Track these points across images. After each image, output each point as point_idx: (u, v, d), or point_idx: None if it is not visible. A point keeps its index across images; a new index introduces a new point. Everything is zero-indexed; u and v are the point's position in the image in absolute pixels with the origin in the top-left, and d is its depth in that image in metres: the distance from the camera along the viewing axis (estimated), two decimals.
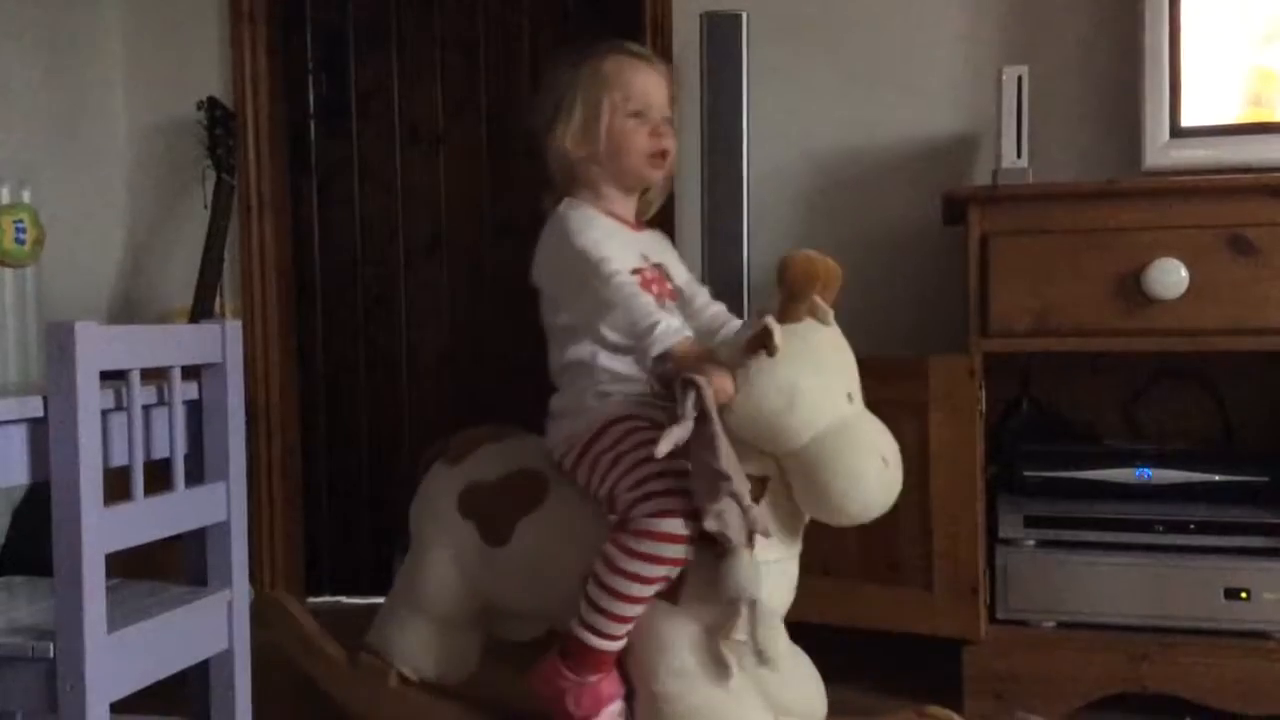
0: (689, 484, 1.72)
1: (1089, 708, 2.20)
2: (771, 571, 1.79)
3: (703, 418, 1.67)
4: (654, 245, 2.06)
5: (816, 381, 1.73)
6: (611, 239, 1.93)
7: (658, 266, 2.00)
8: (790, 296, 1.74)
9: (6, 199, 2.28)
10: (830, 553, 2.34)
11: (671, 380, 1.71)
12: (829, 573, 2.35)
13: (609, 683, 1.84)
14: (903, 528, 2.28)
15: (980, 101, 2.60)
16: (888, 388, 2.26)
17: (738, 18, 2.57)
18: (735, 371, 1.71)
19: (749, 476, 1.75)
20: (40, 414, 1.45)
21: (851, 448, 1.72)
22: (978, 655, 2.24)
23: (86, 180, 3.06)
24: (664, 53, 2.82)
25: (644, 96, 1.98)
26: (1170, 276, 2.15)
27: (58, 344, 1.44)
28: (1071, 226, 2.22)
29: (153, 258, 3.17)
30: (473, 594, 1.99)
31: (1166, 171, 2.30)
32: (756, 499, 1.75)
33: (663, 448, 1.66)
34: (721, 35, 2.57)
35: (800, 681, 1.94)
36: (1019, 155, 2.36)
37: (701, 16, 2.58)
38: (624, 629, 1.80)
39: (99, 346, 1.48)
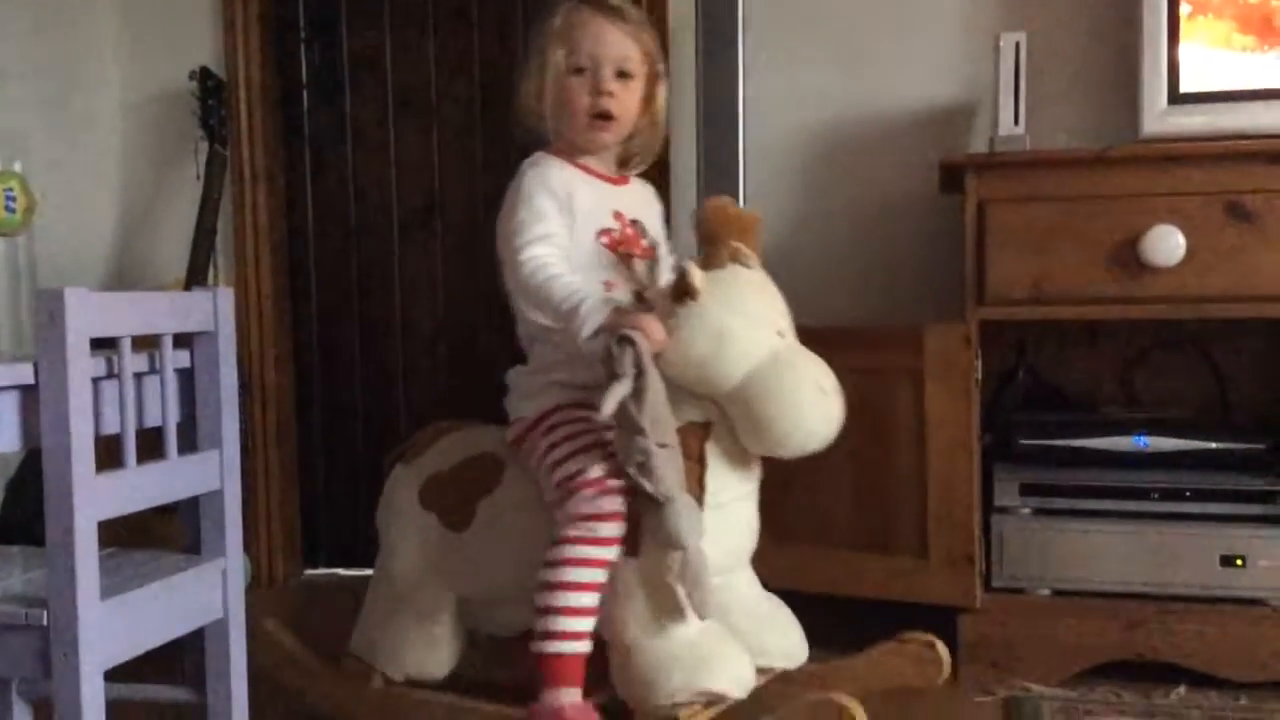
0: (612, 463, 1.73)
1: (1085, 675, 2.21)
2: (726, 514, 1.81)
3: (640, 372, 1.68)
4: (634, 200, 1.98)
5: (744, 320, 1.75)
6: (575, 195, 1.86)
7: (634, 223, 1.93)
8: (709, 242, 1.79)
9: None
10: (824, 522, 2.35)
11: (609, 347, 1.71)
12: (823, 542, 2.36)
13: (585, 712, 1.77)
14: (898, 495, 2.29)
15: (977, 69, 2.59)
16: (883, 356, 2.29)
17: None
18: (665, 321, 1.74)
19: (692, 423, 1.78)
20: (31, 381, 1.44)
21: (786, 379, 1.74)
22: (974, 623, 2.25)
23: (79, 152, 3.04)
24: (659, 24, 2.79)
25: (591, 52, 1.87)
26: (1167, 243, 2.14)
27: (48, 311, 1.43)
28: (1068, 194, 2.21)
29: (146, 229, 3.15)
30: (444, 585, 1.99)
31: (1165, 139, 2.28)
32: (701, 443, 1.79)
33: (607, 406, 1.67)
34: (717, 7, 2.55)
35: (777, 626, 1.94)
36: (1016, 122, 2.34)
37: None
38: (583, 625, 1.76)
39: (89, 313, 1.46)
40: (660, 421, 1.69)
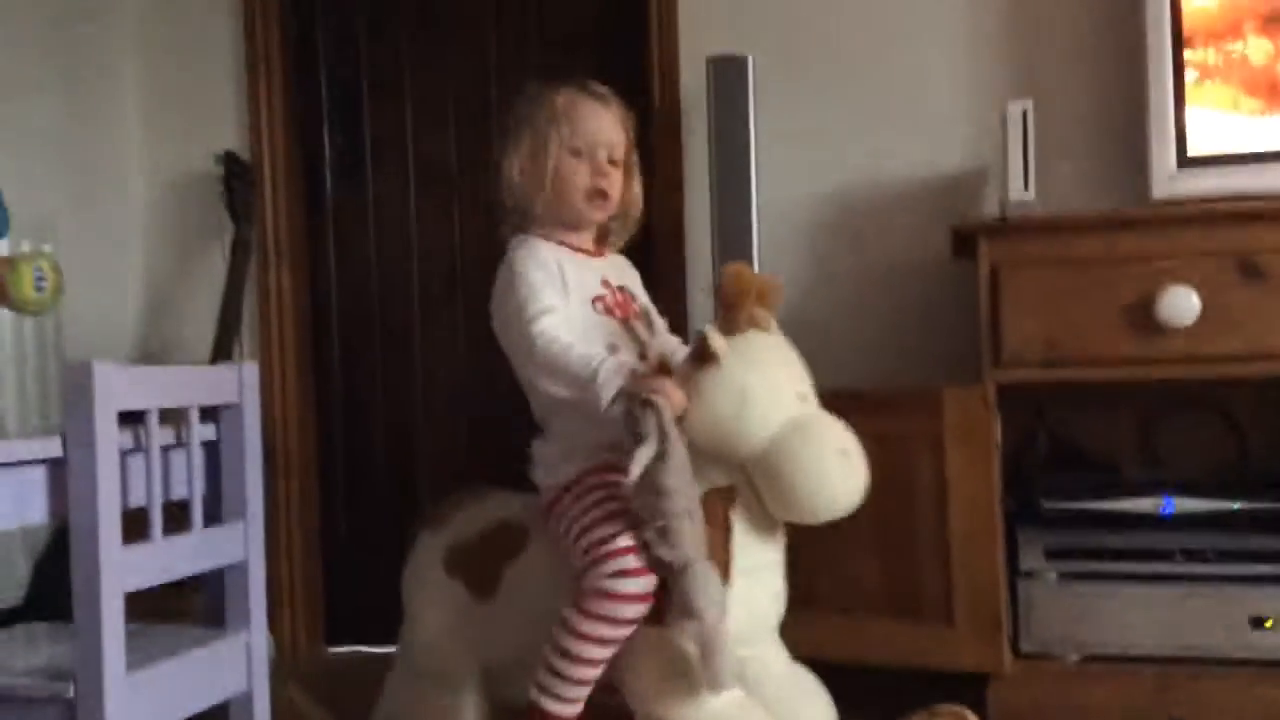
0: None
1: None
2: (753, 582, 1.81)
3: (663, 435, 1.69)
4: (616, 270, 2.05)
5: (765, 383, 1.78)
6: (565, 269, 1.92)
7: (622, 289, 2.01)
8: (728, 308, 1.82)
9: (26, 249, 2.34)
10: (848, 590, 2.34)
11: (631, 411, 1.73)
12: (848, 610, 2.34)
13: None
14: (922, 562, 2.27)
15: (985, 137, 2.62)
16: (902, 420, 2.29)
17: (743, 61, 2.60)
18: (685, 386, 1.76)
19: (716, 489, 1.79)
20: (59, 454, 1.47)
21: (809, 443, 1.76)
22: (1002, 690, 2.22)
23: (105, 235, 3.10)
24: (671, 98, 2.85)
25: (590, 135, 1.96)
26: (1181, 304, 2.15)
27: (76, 384, 1.46)
28: (1081, 256, 2.23)
29: (172, 310, 3.20)
30: (469, 652, 1.99)
31: (1175, 201, 2.30)
32: (726, 510, 1.80)
33: (633, 471, 1.69)
34: (728, 79, 2.60)
35: (807, 699, 1.93)
36: (1026, 188, 2.36)
37: (708, 61, 2.62)
38: (581, 692, 1.79)
39: (117, 386, 1.49)
40: (683, 487, 1.70)
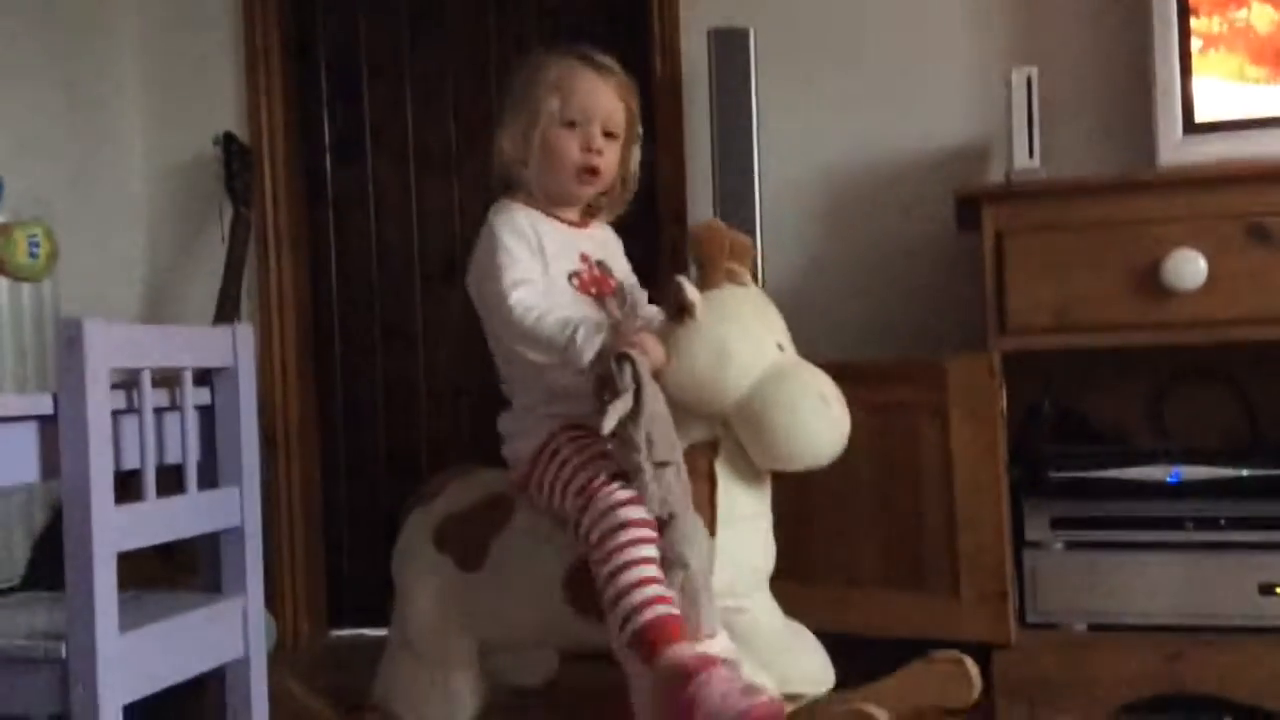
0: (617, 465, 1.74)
1: (1126, 710, 2.15)
2: (741, 532, 1.80)
3: (638, 389, 1.67)
4: (598, 243, 2.01)
5: (743, 334, 1.79)
6: (544, 239, 1.89)
7: (600, 264, 1.97)
8: (704, 264, 1.83)
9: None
10: (853, 562, 2.32)
11: (609, 370, 1.71)
12: (852, 581, 2.32)
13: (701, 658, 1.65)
14: (927, 532, 2.25)
15: (990, 107, 2.60)
16: (906, 390, 2.27)
17: (745, 33, 2.58)
18: (665, 342, 1.76)
19: (699, 442, 1.79)
20: (50, 411, 1.45)
21: (788, 391, 1.77)
22: (1009, 660, 2.19)
23: (105, 216, 3.09)
24: (672, 70, 2.83)
25: (584, 107, 1.91)
26: (1189, 268, 2.13)
27: (68, 339, 1.45)
28: (1086, 221, 2.20)
29: (171, 291, 3.19)
30: (462, 629, 1.98)
31: (1182, 168, 2.28)
32: (710, 462, 1.80)
33: (607, 423, 1.67)
34: (730, 52, 2.58)
35: (800, 652, 1.91)
36: (1031, 156, 2.34)
37: (709, 33, 2.60)
38: (653, 591, 1.66)
39: (109, 343, 1.48)
40: (661, 440, 1.69)
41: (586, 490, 1.74)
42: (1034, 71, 2.37)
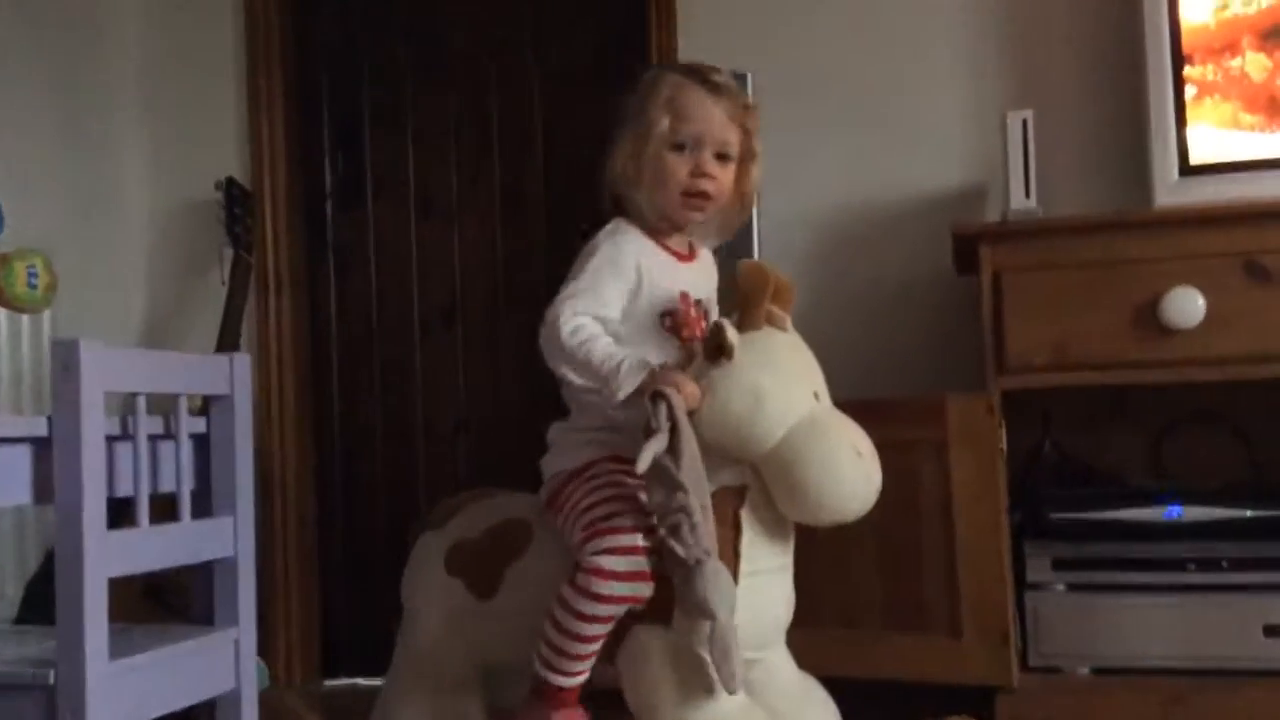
0: (642, 518, 1.70)
1: None
2: (762, 584, 1.76)
3: (674, 429, 1.66)
4: (699, 275, 1.96)
5: (779, 381, 1.74)
6: (649, 273, 1.85)
7: (698, 304, 1.91)
8: (745, 304, 1.77)
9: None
10: (853, 603, 2.30)
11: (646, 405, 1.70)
12: (852, 623, 2.30)
13: (572, 714, 1.79)
14: (927, 572, 2.23)
15: (988, 150, 2.61)
16: (906, 429, 2.26)
17: (743, 78, 2.59)
18: (700, 382, 1.72)
19: (727, 487, 1.74)
20: (45, 433, 1.45)
21: (822, 442, 1.72)
22: (1011, 704, 2.17)
23: (105, 261, 3.10)
24: None
25: (695, 130, 1.85)
26: (1187, 305, 2.13)
27: (63, 362, 1.44)
28: (1084, 260, 2.21)
29: (170, 334, 3.19)
30: (468, 653, 1.96)
31: (1179, 208, 2.29)
32: (736, 509, 1.75)
33: (642, 462, 1.64)
34: None
35: (811, 706, 1.88)
36: (1028, 196, 2.36)
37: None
38: (583, 665, 1.76)
39: (104, 367, 1.47)
40: (694, 482, 1.66)
41: (600, 525, 1.72)
42: (1030, 115, 2.39)
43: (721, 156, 1.88)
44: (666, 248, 1.92)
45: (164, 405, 1.64)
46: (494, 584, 1.89)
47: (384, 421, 3.21)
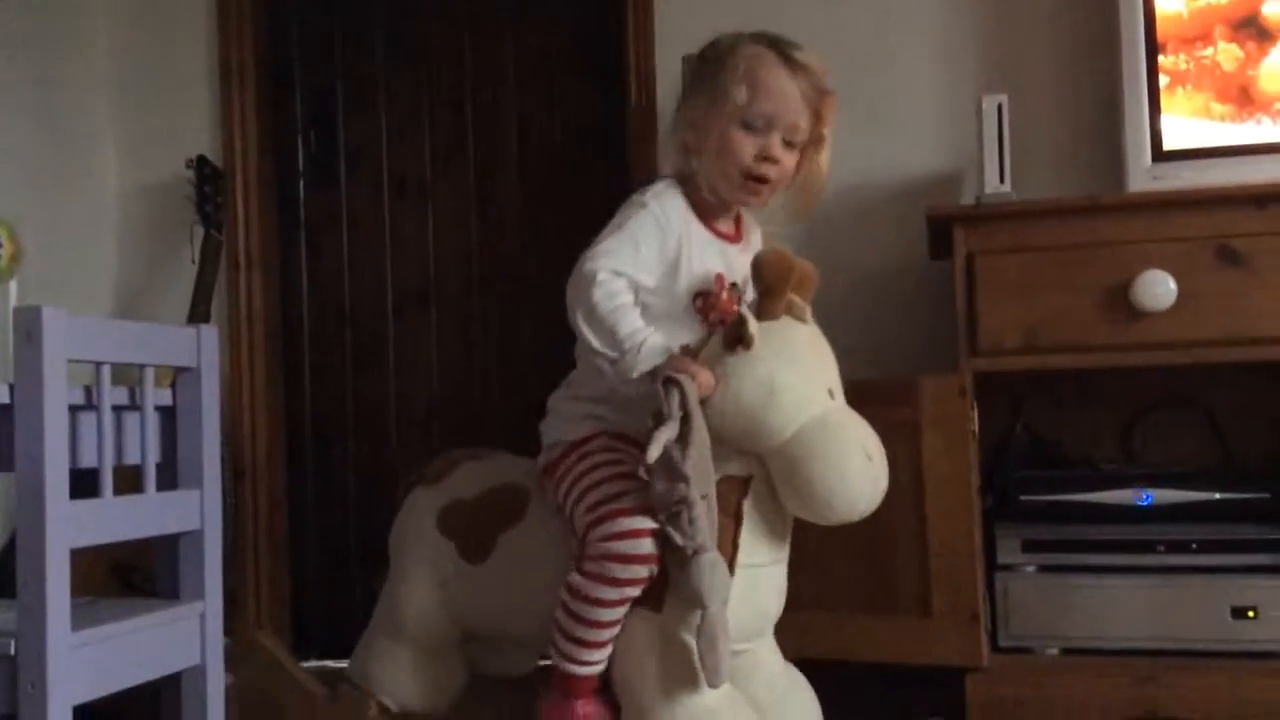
0: (645, 498, 1.68)
1: None
2: (757, 577, 1.75)
3: (685, 417, 1.64)
4: (743, 259, 1.88)
5: (796, 375, 1.70)
6: (689, 246, 1.80)
7: (734, 287, 1.84)
8: (766, 293, 1.73)
9: None
10: (825, 585, 2.29)
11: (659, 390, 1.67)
12: (825, 606, 2.29)
13: (593, 706, 1.78)
14: (899, 553, 2.23)
15: (963, 135, 2.61)
16: (879, 410, 2.23)
17: None
18: (714, 368, 1.69)
19: (731, 476, 1.72)
20: (6, 400, 1.43)
21: (834, 442, 1.69)
22: (981, 684, 2.17)
23: (75, 237, 3.07)
24: (647, 97, 2.84)
25: (768, 112, 1.79)
26: (1158, 289, 2.14)
27: (25, 329, 1.42)
28: (1057, 243, 2.21)
29: (140, 313, 3.15)
30: (453, 618, 1.94)
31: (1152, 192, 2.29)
32: (739, 500, 1.72)
33: (653, 451, 1.61)
34: None
35: (796, 700, 1.88)
36: (1002, 181, 2.36)
37: (684, 60, 2.61)
38: (600, 654, 1.75)
39: (68, 334, 1.45)
40: (702, 471, 1.64)
41: (603, 509, 1.70)
42: (1005, 99, 2.38)
43: (789, 142, 1.82)
44: (711, 226, 1.87)
45: (131, 377, 1.62)
46: (486, 549, 1.87)
47: (356, 401, 3.19)
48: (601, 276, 1.72)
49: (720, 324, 1.77)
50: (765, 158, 1.80)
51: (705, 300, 1.80)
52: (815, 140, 1.86)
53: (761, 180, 1.81)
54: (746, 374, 1.68)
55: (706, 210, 1.87)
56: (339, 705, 1.98)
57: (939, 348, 2.48)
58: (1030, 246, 2.22)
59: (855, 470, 1.69)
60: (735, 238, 1.91)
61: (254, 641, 2.13)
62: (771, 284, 1.72)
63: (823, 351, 1.80)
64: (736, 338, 1.68)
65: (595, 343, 1.72)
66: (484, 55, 3.11)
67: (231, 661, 1.78)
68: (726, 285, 1.82)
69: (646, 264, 1.77)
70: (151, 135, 3.17)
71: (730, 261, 1.87)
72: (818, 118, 1.85)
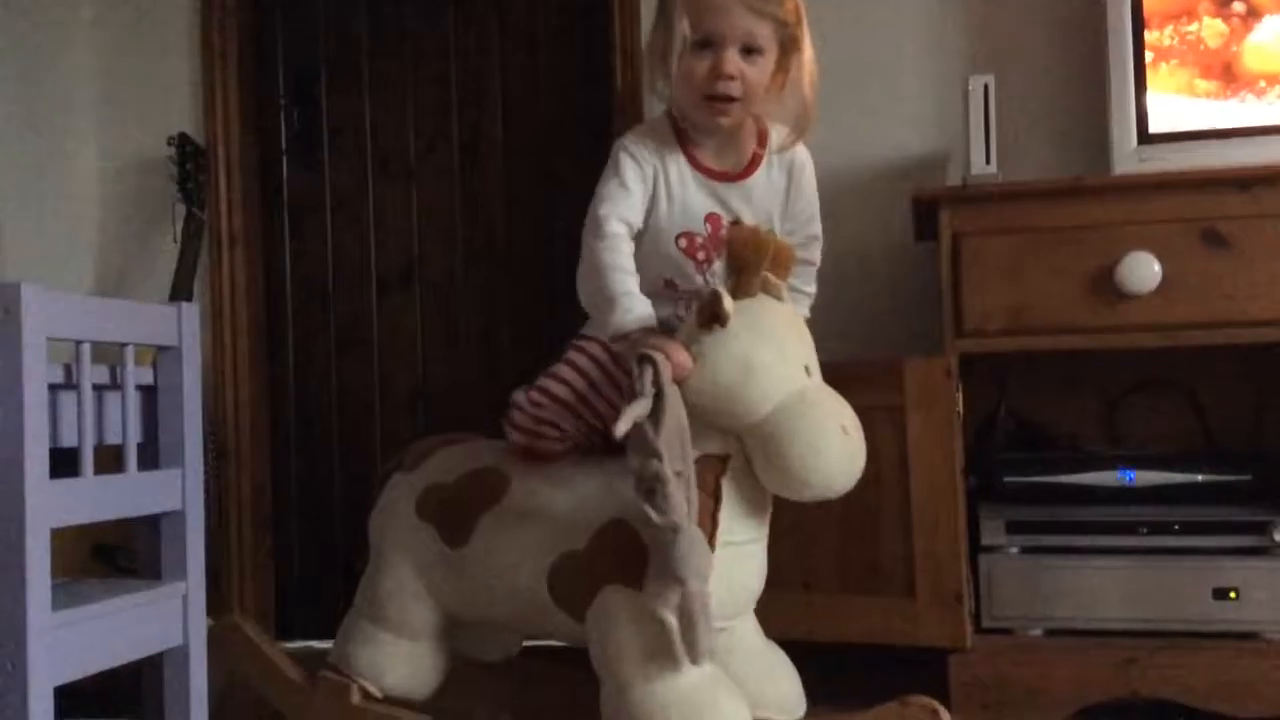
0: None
1: (1080, 715, 2.13)
2: (737, 554, 1.75)
3: (658, 394, 1.63)
4: (748, 194, 1.86)
5: (772, 352, 1.70)
6: (667, 183, 1.80)
7: (734, 224, 1.82)
8: (740, 271, 1.72)
9: None
10: (808, 565, 2.30)
11: (628, 357, 1.68)
12: (809, 586, 2.30)
13: None
14: (883, 534, 2.23)
15: (947, 117, 2.61)
16: (864, 391, 2.22)
17: None
18: (690, 347, 1.69)
19: (709, 455, 1.72)
20: None
21: (810, 417, 1.69)
22: (964, 664, 2.17)
23: (57, 217, 3.04)
24: (634, 76, 2.82)
25: (712, 29, 1.73)
26: (1143, 270, 2.14)
27: (3, 305, 1.40)
28: (1042, 224, 2.21)
29: (123, 292, 3.13)
30: (435, 603, 1.94)
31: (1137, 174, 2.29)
32: (717, 478, 1.73)
33: (621, 426, 1.61)
34: None
35: (777, 677, 1.88)
36: (988, 162, 2.35)
37: None
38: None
39: (47, 311, 1.44)
40: (676, 448, 1.63)
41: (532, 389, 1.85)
42: (990, 80, 2.38)
43: (749, 50, 1.77)
44: (698, 164, 1.84)
45: (112, 355, 1.60)
46: (466, 532, 1.86)
47: (339, 381, 3.17)
48: (606, 229, 1.75)
49: (707, 262, 1.80)
50: (719, 75, 1.75)
51: (691, 240, 1.81)
52: (789, 41, 1.81)
53: (725, 98, 1.77)
54: (722, 352, 1.68)
55: (695, 146, 1.85)
56: (320, 691, 1.97)
57: (924, 329, 2.49)
58: (1016, 228, 2.22)
59: (832, 445, 1.69)
60: (734, 175, 1.87)
61: (234, 626, 2.12)
62: (744, 261, 1.72)
63: (799, 328, 1.80)
64: (712, 315, 1.68)
65: (582, 294, 1.77)
66: (469, 34, 3.09)
67: (212, 647, 1.77)
68: (723, 224, 1.82)
69: (635, 202, 1.79)
70: (133, 111, 3.14)
71: (723, 199, 1.85)
72: (779, 24, 1.79)
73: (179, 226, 2.96)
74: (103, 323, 1.55)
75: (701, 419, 1.70)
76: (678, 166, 1.83)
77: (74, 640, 1.47)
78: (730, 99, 1.77)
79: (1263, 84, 2.32)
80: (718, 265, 1.82)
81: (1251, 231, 2.13)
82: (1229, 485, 2.23)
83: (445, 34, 3.10)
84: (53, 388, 1.49)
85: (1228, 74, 2.36)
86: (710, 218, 1.82)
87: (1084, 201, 2.21)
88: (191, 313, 1.70)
